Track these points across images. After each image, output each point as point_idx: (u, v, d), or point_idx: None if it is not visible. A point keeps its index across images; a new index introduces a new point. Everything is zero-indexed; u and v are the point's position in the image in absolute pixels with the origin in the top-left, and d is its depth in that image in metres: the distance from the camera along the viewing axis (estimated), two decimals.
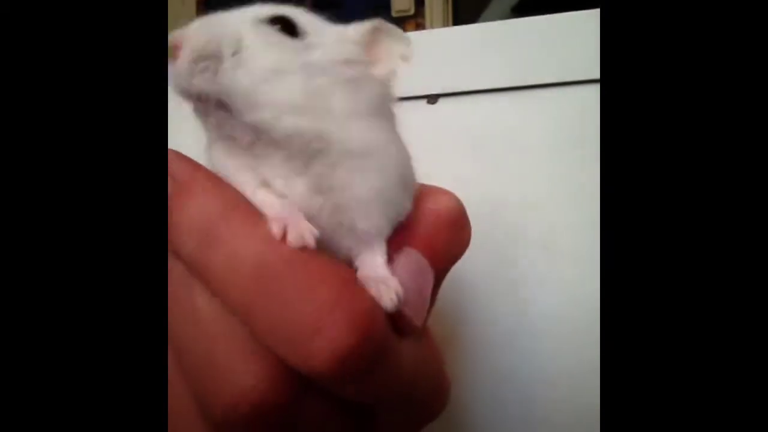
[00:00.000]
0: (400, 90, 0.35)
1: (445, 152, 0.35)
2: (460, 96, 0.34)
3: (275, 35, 0.16)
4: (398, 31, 0.18)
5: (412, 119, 0.36)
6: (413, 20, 1.84)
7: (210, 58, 0.15)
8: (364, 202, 0.18)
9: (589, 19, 0.31)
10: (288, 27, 0.16)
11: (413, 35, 0.34)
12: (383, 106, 0.19)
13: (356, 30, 0.18)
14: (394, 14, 1.83)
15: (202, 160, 0.20)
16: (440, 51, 0.34)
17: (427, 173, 0.37)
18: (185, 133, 0.37)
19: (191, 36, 0.15)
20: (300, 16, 0.17)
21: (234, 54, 0.15)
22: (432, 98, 0.34)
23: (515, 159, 0.33)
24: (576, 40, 0.32)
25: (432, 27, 1.84)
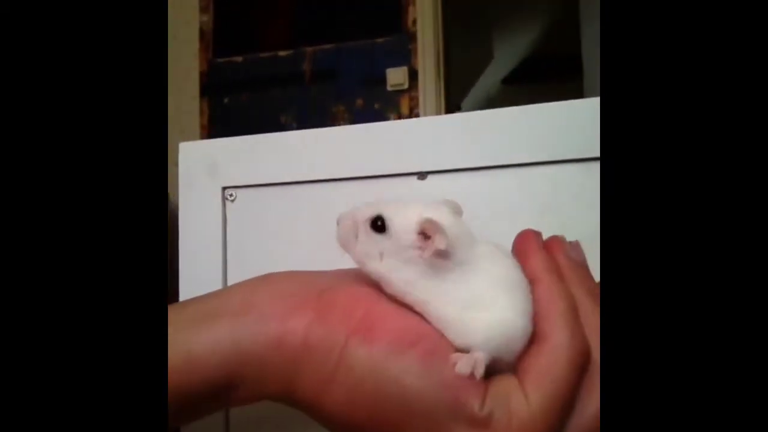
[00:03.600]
0: (392, 167, 0.37)
1: None
2: (447, 173, 0.36)
3: (368, 233, 0.25)
4: (438, 225, 0.24)
5: (402, 193, 0.38)
6: (407, 93, 1.89)
7: (347, 243, 0.25)
8: None
9: (572, 108, 0.34)
10: (380, 223, 0.24)
11: (407, 122, 0.37)
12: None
13: (414, 224, 0.25)
14: (389, 87, 1.88)
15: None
16: (431, 133, 0.36)
17: None
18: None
19: (338, 232, 0.26)
20: (390, 213, 0.25)
21: (357, 239, 0.25)
22: (422, 175, 0.37)
23: (502, 233, 0.35)
24: (560, 124, 0.34)
25: (425, 100, 1.90)
